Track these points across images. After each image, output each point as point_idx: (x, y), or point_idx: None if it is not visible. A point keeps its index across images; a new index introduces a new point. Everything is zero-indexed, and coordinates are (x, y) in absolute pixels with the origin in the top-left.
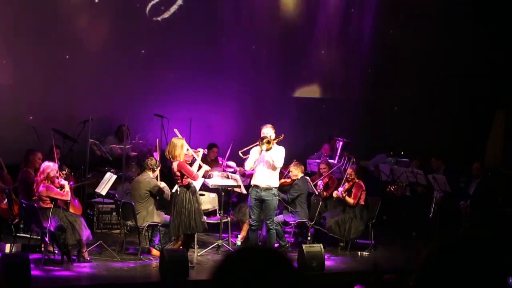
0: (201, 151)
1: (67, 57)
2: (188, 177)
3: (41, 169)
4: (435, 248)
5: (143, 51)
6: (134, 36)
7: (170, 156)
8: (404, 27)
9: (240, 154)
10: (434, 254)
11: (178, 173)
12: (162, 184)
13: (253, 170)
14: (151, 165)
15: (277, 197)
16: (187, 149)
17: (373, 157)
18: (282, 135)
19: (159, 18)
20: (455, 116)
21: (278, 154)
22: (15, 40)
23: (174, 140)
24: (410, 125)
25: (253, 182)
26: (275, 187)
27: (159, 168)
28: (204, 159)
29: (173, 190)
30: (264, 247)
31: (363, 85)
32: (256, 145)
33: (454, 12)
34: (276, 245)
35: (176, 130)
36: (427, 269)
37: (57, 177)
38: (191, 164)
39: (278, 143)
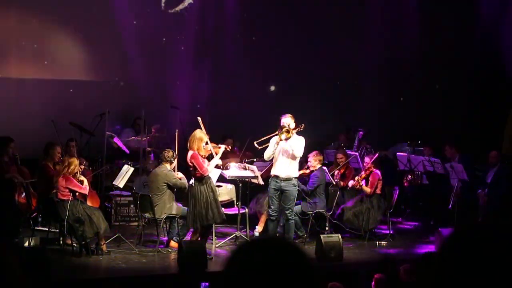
0: (222, 148)
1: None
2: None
3: (65, 162)
4: (453, 236)
5: (164, 40)
6: (153, 27)
7: (189, 146)
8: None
9: (256, 145)
10: (452, 243)
11: (190, 164)
12: (180, 175)
13: (271, 160)
14: (168, 157)
15: (297, 187)
16: (206, 143)
17: (392, 146)
18: (302, 125)
19: (175, 9)
20: (469, 103)
21: (298, 143)
22: (35, 33)
23: (196, 132)
24: (423, 113)
25: (272, 172)
26: (295, 177)
27: (176, 159)
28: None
29: (190, 182)
30: (276, 237)
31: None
32: (275, 135)
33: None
34: (294, 236)
35: (199, 119)
36: (445, 258)
37: (78, 172)
38: (208, 159)
39: (298, 133)
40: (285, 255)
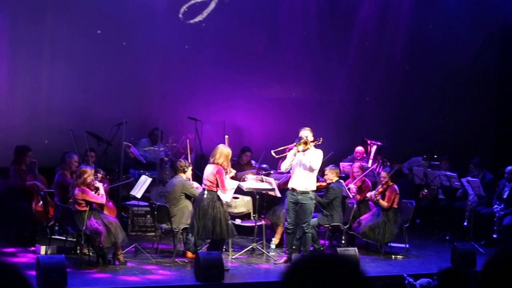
0: (233, 172)
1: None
2: (218, 186)
3: (78, 172)
4: (497, 257)
5: (186, 47)
6: (170, 38)
7: (213, 160)
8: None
9: (273, 154)
10: (496, 263)
11: (212, 177)
12: (195, 185)
13: (288, 171)
14: (181, 166)
15: (314, 201)
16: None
17: (407, 160)
18: (321, 138)
19: (193, 21)
20: (483, 118)
21: (315, 156)
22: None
23: (223, 148)
24: (439, 127)
25: (290, 185)
26: (312, 191)
27: (190, 168)
28: (237, 163)
29: (200, 193)
30: (333, 255)
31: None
32: (293, 146)
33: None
34: (311, 248)
35: (226, 137)
36: (489, 278)
37: (93, 180)
38: None
39: (316, 146)
40: (343, 273)
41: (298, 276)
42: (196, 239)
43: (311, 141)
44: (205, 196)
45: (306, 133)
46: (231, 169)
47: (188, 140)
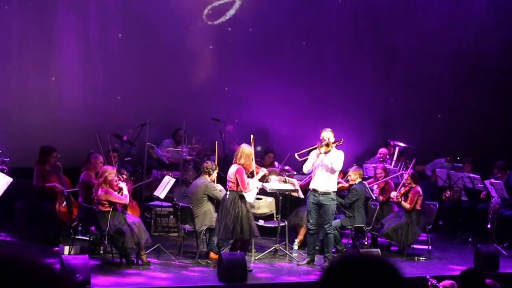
0: (264, 171)
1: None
2: (239, 186)
3: (100, 172)
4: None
5: (210, 47)
6: (194, 39)
7: (235, 160)
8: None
9: (297, 157)
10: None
11: (233, 177)
12: (219, 187)
13: (310, 172)
14: (207, 168)
15: (335, 202)
16: (252, 160)
17: (431, 162)
18: (342, 139)
19: (217, 22)
20: (506, 120)
21: (337, 157)
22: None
23: (246, 148)
24: (462, 130)
25: (311, 186)
26: (334, 192)
27: (216, 171)
28: (260, 164)
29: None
30: (371, 255)
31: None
32: (315, 148)
33: None
34: (333, 249)
35: (252, 137)
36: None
37: (116, 180)
38: (249, 177)
39: (338, 147)
40: (382, 273)
41: (338, 276)
42: (218, 239)
43: (333, 143)
44: (227, 196)
45: (328, 135)
46: (262, 168)
47: (217, 142)
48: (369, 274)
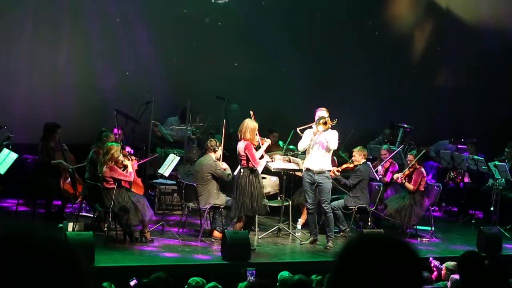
0: (268, 142)
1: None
2: (250, 161)
3: (105, 149)
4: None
5: (219, 24)
6: (199, 17)
7: (240, 135)
8: None
9: (298, 131)
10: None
11: (243, 154)
12: (224, 166)
13: (305, 150)
14: (211, 146)
15: (331, 180)
16: (256, 135)
17: (435, 143)
18: (336, 119)
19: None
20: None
21: (332, 136)
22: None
23: (249, 122)
24: (467, 112)
25: (305, 165)
26: (328, 170)
27: (220, 148)
28: None
29: (236, 172)
30: (385, 235)
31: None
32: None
33: None
34: (337, 229)
35: (251, 113)
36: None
37: (121, 158)
38: (256, 150)
39: (331, 127)
40: (399, 255)
41: (354, 256)
42: (236, 215)
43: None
44: (241, 173)
45: (323, 114)
46: (265, 139)
47: (224, 121)
48: (388, 254)
